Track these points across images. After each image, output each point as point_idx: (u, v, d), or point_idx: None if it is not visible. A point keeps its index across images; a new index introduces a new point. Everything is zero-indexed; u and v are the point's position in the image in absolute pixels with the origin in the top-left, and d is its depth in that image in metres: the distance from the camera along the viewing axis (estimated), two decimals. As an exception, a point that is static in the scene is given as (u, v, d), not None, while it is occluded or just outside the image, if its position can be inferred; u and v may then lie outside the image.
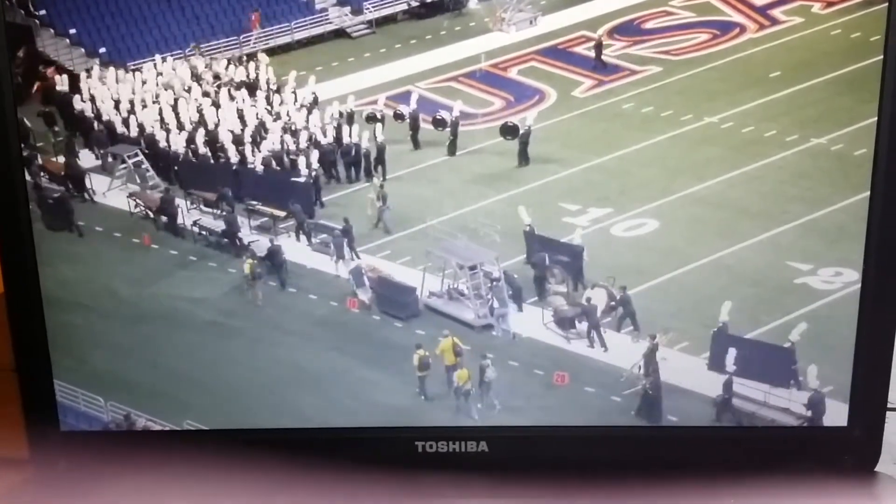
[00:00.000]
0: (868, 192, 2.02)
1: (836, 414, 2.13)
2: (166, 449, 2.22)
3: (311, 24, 2.79)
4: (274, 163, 2.65)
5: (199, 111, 2.68)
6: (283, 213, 2.56)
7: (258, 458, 2.10)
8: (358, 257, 2.51)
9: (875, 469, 2.13)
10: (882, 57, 1.97)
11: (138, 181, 2.52)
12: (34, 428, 2.19)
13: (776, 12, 2.41)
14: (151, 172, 2.53)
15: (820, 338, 2.20)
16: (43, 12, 2.37)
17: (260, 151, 2.67)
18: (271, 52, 2.71)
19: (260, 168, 2.62)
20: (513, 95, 2.65)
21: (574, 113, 2.66)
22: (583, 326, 2.46)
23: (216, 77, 2.69)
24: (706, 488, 2.08)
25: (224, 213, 2.52)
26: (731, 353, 2.28)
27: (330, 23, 2.82)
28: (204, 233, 2.55)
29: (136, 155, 2.53)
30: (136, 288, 2.37)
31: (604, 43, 2.58)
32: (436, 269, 2.54)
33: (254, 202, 2.54)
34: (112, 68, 2.58)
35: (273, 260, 2.49)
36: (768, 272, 2.28)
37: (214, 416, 2.26)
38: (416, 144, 2.66)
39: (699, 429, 2.23)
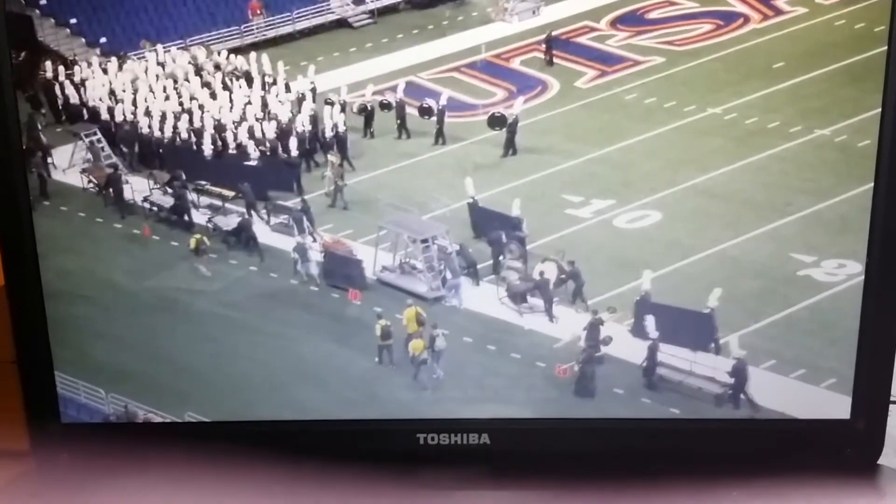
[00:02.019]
0: (872, 184, 2.02)
1: (840, 407, 2.12)
2: (167, 441, 2.22)
3: (312, 13, 2.78)
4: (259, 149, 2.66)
5: (192, 98, 2.69)
6: (231, 194, 2.57)
7: (260, 449, 2.10)
8: (313, 236, 2.53)
9: (878, 462, 2.13)
10: (886, 48, 1.96)
11: (91, 158, 2.53)
12: (35, 420, 2.20)
13: (780, 2, 2.41)
14: (108, 151, 2.54)
15: (823, 330, 2.19)
16: (43, 2, 2.36)
17: (237, 138, 2.68)
18: (273, 41, 2.72)
19: (209, 151, 2.64)
20: (515, 86, 2.64)
21: (577, 104, 2.65)
22: (536, 300, 2.48)
23: (217, 67, 2.69)
24: (709, 480, 2.08)
25: (174, 191, 2.54)
26: (655, 319, 2.33)
27: (332, 12, 2.80)
28: (154, 209, 2.56)
29: (94, 133, 2.53)
30: (137, 279, 2.37)
31: (553, 38, 2.58)
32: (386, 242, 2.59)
33: (203, 182, 2.56)
34: (114, 58, 2.57)
35: (240, 235, 2.53)
36: (772, 264, 2.28)
37: (215, 407, 2.27)
38: (407, 133, 2.67)
39: (702, 421, 2.23)
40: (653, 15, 2.44)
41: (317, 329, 2.40)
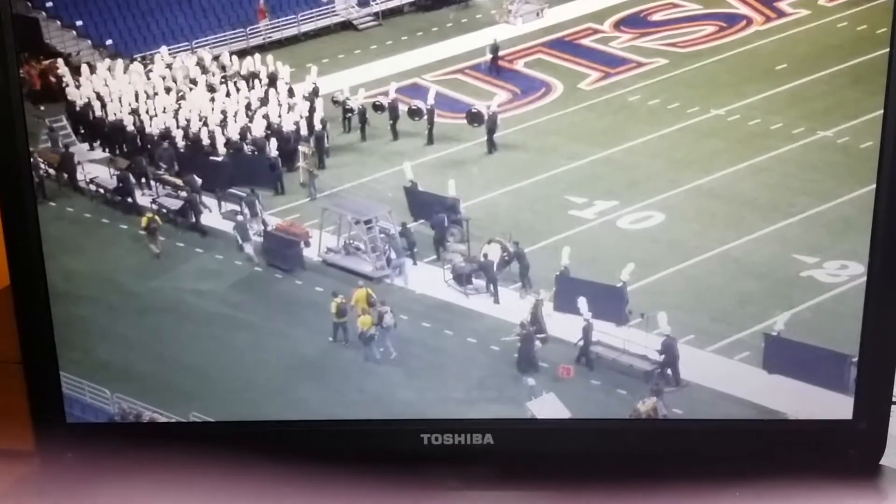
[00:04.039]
0: (874, 185, 2.01)
1: (842, 407, 2.12)
2: (172, 441, 2.23)
3: (317, 16, 2.79)
4: (247, 148, 2.70)
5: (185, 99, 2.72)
6: (181, 182, 2.60)
7: (264, 449, 2.11)
8: (264, 221, 2.58)
9: (880, 462, 2.13)
10: (888, 49, 1.96)
11: (49, 144, 2.52)
12: (40, 420, 2.20)
13: (782, 4, 2.41)
14: (73, 139, 2.57)
15: (825, 331, 2.20)
16: (50, 4, 2.37)
17: (225, 135, 2.70)
18: (278, 44, 2.73)
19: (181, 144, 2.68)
20: (519, 88, 2.65)
21: (580, 105, 2.66)
22: (481, 282, 2.53)
23: (223, 69, 2.70)
24: (712, 480, 2.08)
25: (118, 173, 2.59)
26: (574, 293, 2.39)
27: (336, 15, 2.81)
28: (101, 190, 2.60)
29: (60, 120, 2.55)
30: (142, 280, 2.37)
31: (500, 45, 2.59)
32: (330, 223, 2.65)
33: (160, 171, 2.59)
34: (120, 60, 2.58)
35: (186, 214, 2.59)
36: (774, 265, 2.28)
37: (220, 407, 2.27)
38: (395, 135, 2.68)
39: (704, 422, 2.23)
40: (656, 17, 2.44)
41: (320, 329, 2.41)
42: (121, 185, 2.58)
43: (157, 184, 2.59)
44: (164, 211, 2.57)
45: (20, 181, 2.11)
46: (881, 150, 2.00)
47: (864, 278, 2.06)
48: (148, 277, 2.39)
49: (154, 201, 2.58)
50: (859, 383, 2.10)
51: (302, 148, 2.65)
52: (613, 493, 2.07)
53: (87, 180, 2.60)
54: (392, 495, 2.09)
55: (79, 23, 2.55)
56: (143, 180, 2.58)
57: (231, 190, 2.62)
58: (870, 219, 2.03)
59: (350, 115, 2.68)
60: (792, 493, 2.07)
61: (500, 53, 2.64)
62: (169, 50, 2.54)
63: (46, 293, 2.15)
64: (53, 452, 2.22)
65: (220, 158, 2.64)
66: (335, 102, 2.67)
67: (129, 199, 2.58)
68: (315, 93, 2.65)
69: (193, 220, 2.61)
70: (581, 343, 2.39)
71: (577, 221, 2.49)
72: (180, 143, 2.65)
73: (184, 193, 2.60)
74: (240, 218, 2.58)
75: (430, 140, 2.66)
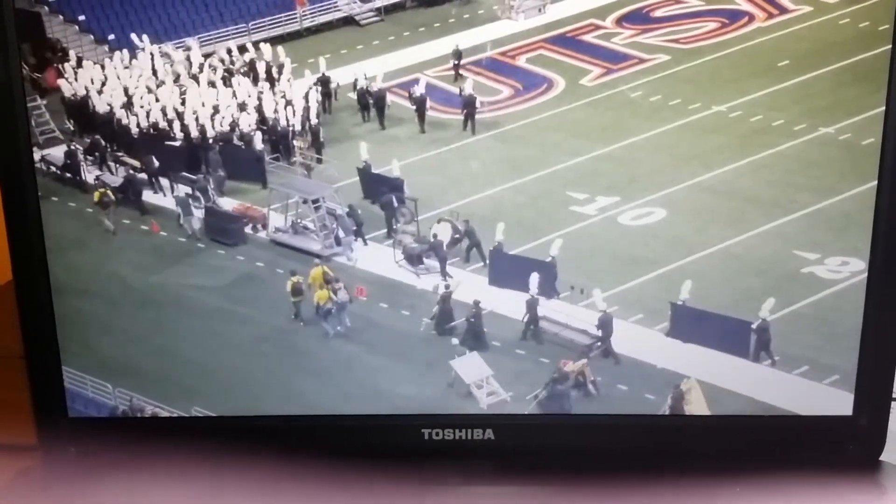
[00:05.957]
0: (875, 182, 2.02)
1: (842, 403, 2.12)
2: (174, 435, 2.23)
3: (319, 11, 2.79)
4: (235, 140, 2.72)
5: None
6: (138, 164, 2.61)
7: (265, 444, 2.11)
8: (213, 199, 2.61)
9: (880, 458, 2.13)
10: (891, 46, 1.96)
11: None
12: (42, 414, 2.20)
13: (785, 1, 2.41)
14: (51, 126, 2.53)
15: (826, 327, 2.20)
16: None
17: (215, 129, 2.71)
18: (280, 39, 2.74)
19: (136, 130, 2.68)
20: (521, 84, 2.65)
21: (582, 101, 2.66)
22: (432, 262, 2.56)
23: (222, 62, 2.71)
24: (712, 476, 2.08)
25: (69, 149, 2.57)
26: (506, 268, 2.43)
27: (339, 10, 2.82)
28: (52, 168, 2.54)
29: (35, 100, 2.53)
30: (145, 274, 2.38)
31: (463, 52, 2.60)
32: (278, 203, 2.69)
33: (119, 153, 2.61)
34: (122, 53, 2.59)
35: (126, 192, 2.58)
36: (775, 261, 2.28)
37: (222, 402, 2.27)
38: (382, 124, 2.70)
39: (704, 417, 2.23)
40: (658, 13, 2.45)
41: (321, 325, 2.42)
42: (69, 161, 2.56)
43: (114, 164, 2.61)
44: (108, 187, 2.56)
45: (22, 176, 2.11)
46: (882, 147, 2.00)
47: (865, 274, 2.07)
48: (150, 272, 2.39)
49: (97, 178, 2.58)
50: (860, 379, 2.10)
51: (296, 142, 2.66)
52: (613, 489, 2.07)
53: (39, 158, 2.58)
54: (392, 490, 2.09)
55: (81, 18, 2.55)
56: (95, 158, 2.59)
57: (183, 174, 2.62)
58: (871, 215, 2.03)
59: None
60: (792, 488, 2.07)
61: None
62: (173, 45, 2.55)
63: (49, 288, 2.15)
64: (55, 447, 2.22)
65: (177, 143, 2.67)
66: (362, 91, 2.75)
67: (79, 177, 2.58)
68: (321, 83, 2.67)
69: (133, 197, 2.60)
70: (526, 318, 2.41)
71: (579, 217, 2.49)
72: (145, 130, 2.67)
73: (123, 171, 2.61)
74: (183, 195, 2.59)
75: (422, 129, 2.66)
